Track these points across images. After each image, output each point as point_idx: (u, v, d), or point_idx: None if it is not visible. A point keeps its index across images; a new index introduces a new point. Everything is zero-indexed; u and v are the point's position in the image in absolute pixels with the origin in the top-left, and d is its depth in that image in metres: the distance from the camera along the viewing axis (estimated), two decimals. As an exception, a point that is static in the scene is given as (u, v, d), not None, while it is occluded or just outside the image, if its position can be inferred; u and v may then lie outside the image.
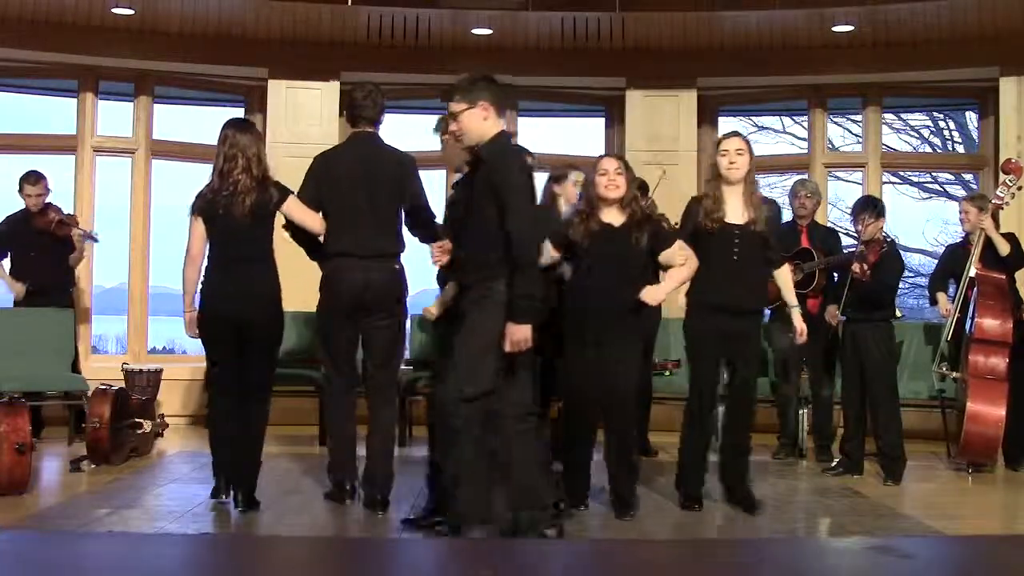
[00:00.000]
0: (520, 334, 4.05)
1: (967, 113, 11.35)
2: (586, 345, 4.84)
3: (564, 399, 5.09)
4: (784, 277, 5.31)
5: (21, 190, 7.17)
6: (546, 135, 10.47)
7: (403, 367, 7.47)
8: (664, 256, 4.95)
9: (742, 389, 5.15)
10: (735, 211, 5.02)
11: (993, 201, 6.41)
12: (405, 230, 5.02)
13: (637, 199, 4.98)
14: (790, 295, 5.31)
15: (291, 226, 4.98)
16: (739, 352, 5.10)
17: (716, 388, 5.23)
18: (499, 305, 4.10)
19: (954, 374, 6.45)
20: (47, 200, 7.23)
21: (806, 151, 9.03)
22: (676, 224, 6.75)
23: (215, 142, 4.94)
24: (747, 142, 5.10)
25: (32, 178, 7.18)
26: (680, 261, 4.94)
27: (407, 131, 9.58)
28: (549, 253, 4.75)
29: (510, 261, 4.07)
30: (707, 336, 5.04)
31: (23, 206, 7.23)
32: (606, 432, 4.95)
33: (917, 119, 12.59)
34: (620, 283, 4.85)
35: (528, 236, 4.10)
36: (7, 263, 7.25)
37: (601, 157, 5.08)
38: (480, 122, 4.23)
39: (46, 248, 7.12)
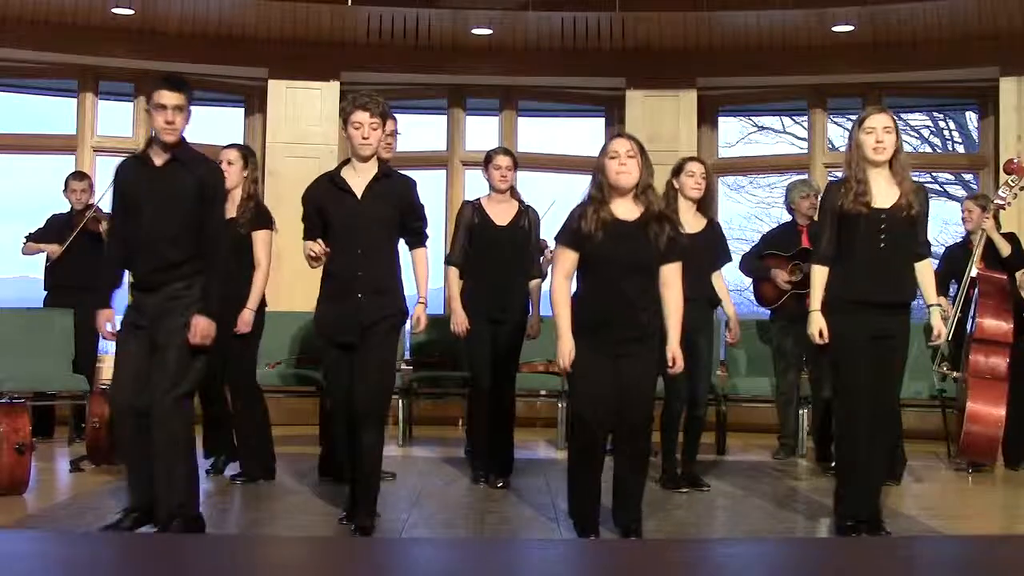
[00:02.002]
0: (210, 328, 4.26)
1: (967, 113, 11.33)
2: (601, 359, 4.31)
3: (575, 419, 4.53)
4: (927, 273, 4.62)
5: (66, 188, 7.25)
6: (546, 135, 10.45)
7: (403, 367, 7.51)
8: (666, 272, 4.40)
9: (886, 406, 4.53)
10: (881, 195, 4.46)
11: (995, 201, 6.40)
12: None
13: (652, 188, 4.44)
14: (931, 292, 4.63)
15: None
16: (884, 357, 4.47)
17: (869, 394, 4.49)
18: (193, 303, 4.32)
19: (954, 374, 6.45)
20: (92, 201, 7.28)
21: (806, 151, 9.04)
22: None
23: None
24: (895, 119, 4.52)
25: (77, 175, 7.33)
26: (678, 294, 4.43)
27: (407, 131, 9.59)
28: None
29: (211, 259, 4.33)
30: (855, 335, 4.45)
31: (66, 208, 7.30)
32: (616, 456, 4.48)
33: (917, 119, 12.56)
34: (638, 288, 4.33)
35: (224, 234, 4.45)
36: (42, 258, 7.28)
37: (612, 138, 4.48)
38: (185, 125, 4.36)
39: (86, 247, 7.12)
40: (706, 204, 5.75)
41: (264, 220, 5.67)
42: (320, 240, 4.51)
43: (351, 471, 4.59)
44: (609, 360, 4.31)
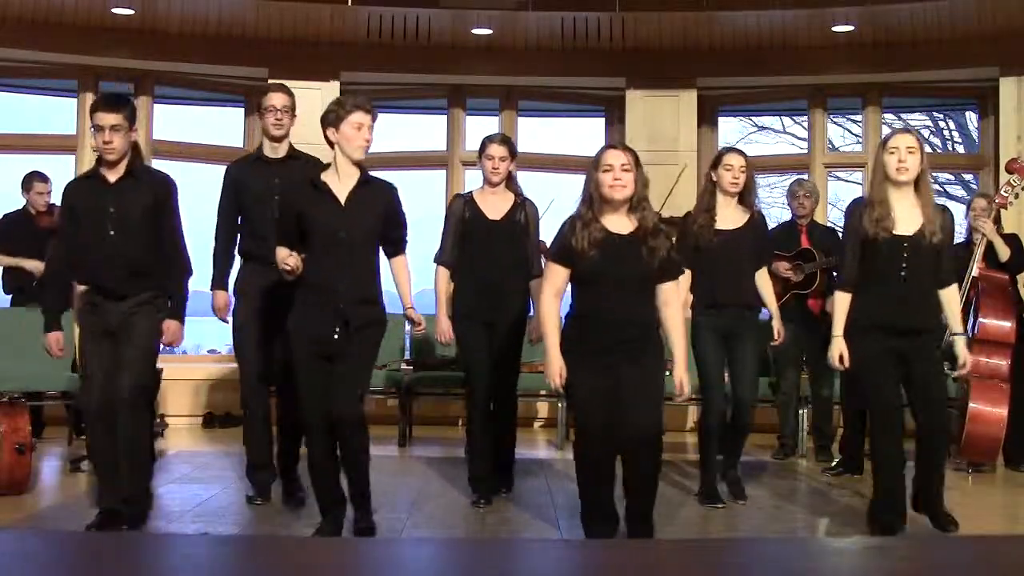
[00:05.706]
0: (180, 331, 4.57)
1: (967, 113, 11.35)
2: (599, 377, 4.12)
3: (578, 434, 4.31)
4: (952, 300, 4.56)
5: (30, 189, 7.12)
6: (546, 135, 10.46)
7: (403, 367, 7.51)
8: (664, 291, 4.26)
9: (935, 426, 4.52)
10: (905, 218, 4.36)
11: (996, 200, 6.38)
12: None
13: (647, 201, 4.23)
14: (956, 321, 4.58)
15: None
16: (916, 379, 4.45)
17: (899, 411, 4.49)
18: (162, 309, 4.54)
19: (955, 374, 6.44)
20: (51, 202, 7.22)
21: (806, 151, 9.04)
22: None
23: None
24: (920, 139, 4.42)
25: (41, 177, 7.17)
26: (679, 319, 4.29)
27: (407, 131, 9.62)
28: None
29: (173, 267, 4.57)
30: (878, 356, 4.41)
31: (19, 207, 7.20)
32: (624, 472, 4.23)
33: (917, 119, 12.58)
34: (633, 303, 4.17)
35: (179, 241, 4.62)
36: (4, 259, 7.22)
37: (605, 149, 4.23)
38: (129, 143, 4.46)
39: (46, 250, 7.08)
40: (748, 198, 5.32)
41: None
42: (295, 253, 4.33)
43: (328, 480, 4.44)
44: (608, 377, 4.13)
